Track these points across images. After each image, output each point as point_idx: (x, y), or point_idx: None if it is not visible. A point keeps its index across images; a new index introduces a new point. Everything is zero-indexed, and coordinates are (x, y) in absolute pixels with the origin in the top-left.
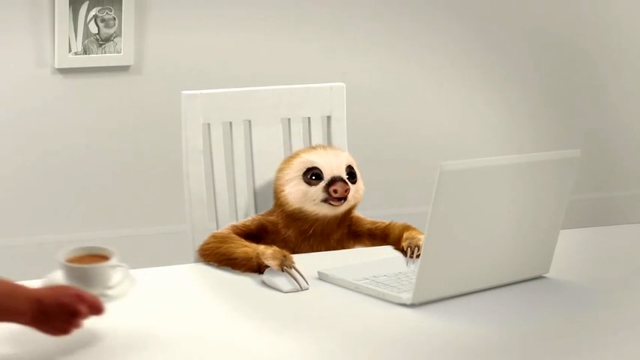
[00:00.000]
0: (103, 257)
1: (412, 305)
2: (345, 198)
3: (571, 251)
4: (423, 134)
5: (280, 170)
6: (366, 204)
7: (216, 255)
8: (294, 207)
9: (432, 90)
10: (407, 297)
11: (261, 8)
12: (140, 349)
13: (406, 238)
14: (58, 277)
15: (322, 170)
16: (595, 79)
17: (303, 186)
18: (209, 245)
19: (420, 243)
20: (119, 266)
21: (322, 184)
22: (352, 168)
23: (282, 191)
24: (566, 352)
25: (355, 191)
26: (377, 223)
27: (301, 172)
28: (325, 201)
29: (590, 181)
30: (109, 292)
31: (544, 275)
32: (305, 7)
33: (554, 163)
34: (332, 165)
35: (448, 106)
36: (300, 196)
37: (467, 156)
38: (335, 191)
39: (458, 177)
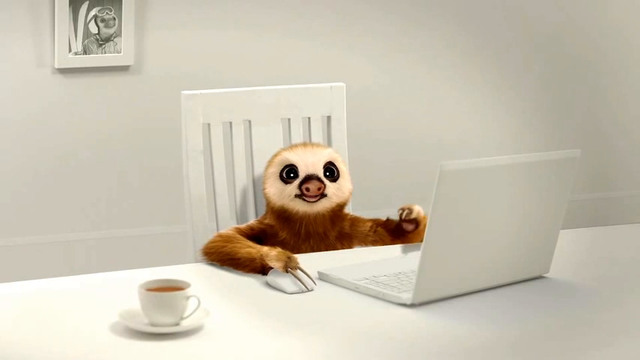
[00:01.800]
0: (179, 289)
1: (412, 305)
2: (320, 196)
3: (571, 251)
4: (423, 134)
5: (265, 169)
6: (366, 204)
7: (220, 254)
8: (277, 205)
9: (432, 90)
10: (407, 297)
11: (262, 8)
12: (140, 349)
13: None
14: (134, 307)
15: (298, 168)
16: (595, 79)
17: (280, 184)
18: (214, 244)
19: (415, 207)
20: (193, 297)
21: (296, 182)
22: (333, 165)
23: (265, 189)
24: (567, 352)
25: (337, 189)
26: (377, 220)
27: (279, 170)
28: (300, 197)
29: (590, 181)
30: (183, 322)
31: (544, 275)
32: (305, 7)
33: (554, 163)
34: (307, 162)
35: (448, 106)
36: (279, 194)
37: (467, 156)
38: (307, 189)
39: (458, 177)
